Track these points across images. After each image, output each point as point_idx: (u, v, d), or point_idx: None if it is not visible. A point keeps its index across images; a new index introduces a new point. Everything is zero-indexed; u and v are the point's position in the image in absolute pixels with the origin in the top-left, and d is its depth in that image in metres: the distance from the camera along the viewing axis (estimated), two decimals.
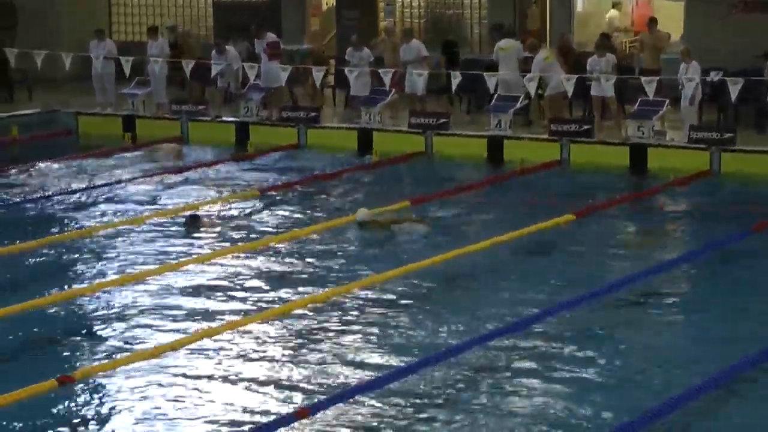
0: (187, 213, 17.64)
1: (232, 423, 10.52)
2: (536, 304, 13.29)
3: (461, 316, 13.11)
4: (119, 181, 20.20)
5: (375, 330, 12.79)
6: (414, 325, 12.93)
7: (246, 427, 10.33)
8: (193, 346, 12.18)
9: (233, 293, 14.08)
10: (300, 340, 12.48)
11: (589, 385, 11.24)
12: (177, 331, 12.74)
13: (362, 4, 29.64)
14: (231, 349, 12.19)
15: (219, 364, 11.83)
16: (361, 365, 11.76)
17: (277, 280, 14.58)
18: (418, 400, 10.91)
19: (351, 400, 10.83)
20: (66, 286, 14.38)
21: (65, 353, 12.30)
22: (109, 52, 26.09)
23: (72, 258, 15.70)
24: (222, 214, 18.00)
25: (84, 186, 19.78)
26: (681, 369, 11.65)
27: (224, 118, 24.84)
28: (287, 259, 15.54)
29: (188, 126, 24.73)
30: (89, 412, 10.78)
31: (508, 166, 21.57)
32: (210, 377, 11.52)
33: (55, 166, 21.49)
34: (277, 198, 19.13)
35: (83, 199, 19.04)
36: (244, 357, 12.01)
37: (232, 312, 13.39)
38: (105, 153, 22.80)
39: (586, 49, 25.22)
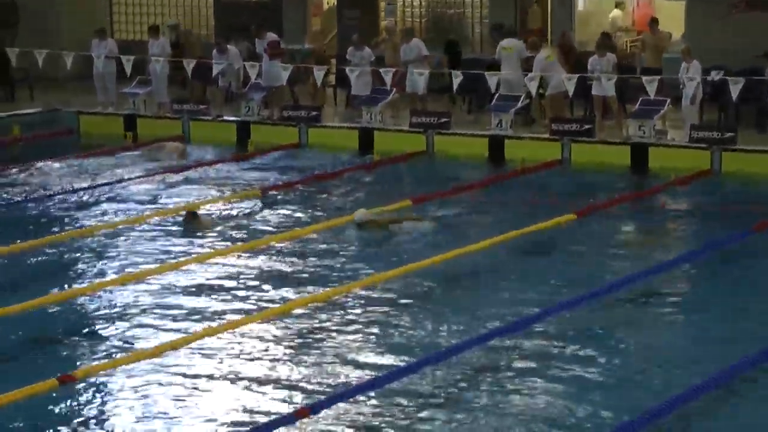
0: (185, 210, 17.61)
1: (232, 423, 10.53)
2: (536, 304, 13.29)
3: (461, 316, 13.12)
4: (120, 181, 20.21)
5: (375, 330, 12.80)
6: (414, 324, 12.94)
7: (246, 427, 10.33)
8: (193, 345, 12.19)
9: (233, 293, 14.09)
10: (300, 340, 12.49)
11: (589, 385, 11.25)
12: (177, 330, 12.75)
13: (363, 3, 29.64)
14: (231, 349, 12.20)
15: (219, 364, 11.84)
16: (361, 365, 11.77)
17: (277, 280, 14.58)
18: (418, 400, 10.91)
19: (351, 399, 10.84)
20: (66, 286, 14.38)
21: (65, 353, 12.31)
22: (110, 51, 26.10)
23: (72, 257, 15.71)
24: (223, 213, 18.00)
25: (85, 185, 19.78)
26: (681, 369, 11.65)
27: (225, 118, 24.85)
28: (288, 259, 15.55)
29: (189, 125, 24.73)
30: (90, 412, 10.80)
31: (509, 165, 21.58)
32: (210, 377, 11.53)
33: (57, 165, 21.48)
34: (278, 197, 19.13)
35: (84, 198, 19.05)
36: (244, 357, 12.02)
37: (232, 312, 13.39)
38: (106, 152, 22.80)
39: (587, 48, 25.20)
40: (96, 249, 16.05)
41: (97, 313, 13.46)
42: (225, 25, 30.21)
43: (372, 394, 10.97)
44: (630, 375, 11.54)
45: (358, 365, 11.79)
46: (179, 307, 13.56)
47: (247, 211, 18.17)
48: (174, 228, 17.06)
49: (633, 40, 28.16)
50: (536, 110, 23.96)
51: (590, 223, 17.16)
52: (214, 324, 12.88)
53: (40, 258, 15.61)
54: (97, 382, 11.34)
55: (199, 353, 12.06)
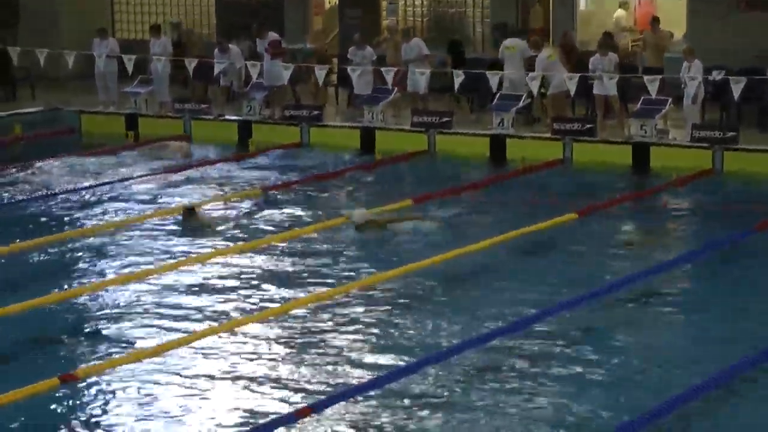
0: (184, 207, 17.58)
1: (232, 423, 10.53)
2: (536, 304, 13.28)
3: (461, 316, 13.11)
4: (121, 180, 20.21)
5: (375, 330, 12.79)
6: (414, 324, 12.94)
7: (246, 427, 10.34)
8: (193, 345, 12.20)
9: (234, 292, 14.09)
10: (300, 340, 12.49)
11: (589, 385, 11.24)
12: (178, 330, 12.75)
13: (365, 2, 29.62)
14: (231, 349, 12.20)
15: (219, 363, 11.84)
16: (361, 365, 11.77)
17: (277, 280, 14.59)
18: (418, 400, 10.92)
19: (351, 399, 10.85)
20: (66, 285, 14.39)
21: (66, 353, 12.32)
22: (111, 50, 26.11)
23: (73, 257, 15.72)
24: (224, 212, 18.00)
25: (86, 185, 19.79)
26: (681, 369, 11.65)
27: (227, 117, 24.85)
28: (288, 259, 15.55)
29: (191, 124, 24.74)
30: (90, 411, 10.81)
31: (510, 165, 21.58)
32: (210, 377, 11.53)
33: (58, 164, 21.50)
34: (280, 197, 19.12)
35: (85, 197, 19.05)
36: (244, 357, 12.01)
37: (232, 311, 13.40)
38: (107, 151, 22.81)
39: (588, 48, 25.19)
40: (96, 248, 16.06)
41: (97, 313, 13.47)
42: (227, 24, 30.22)
43: (372, 394, 10.97)
44: (630, 375, 11.53)
45: (358, 365, 11.79)
46: (179, 306, 13.57)
47: (249, 210, 18.17)
48: (174, 227, 17.06)
49: (635, 39, 28.12)
50: (538, 109, 23.95)
51: (592, 222, 17.14)
52: (213, 324, 12.89)
53: (40, 258, 15.61)
54: (98, 381, 11.35)
55: (199, 353, 12.06)
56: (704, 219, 18.20)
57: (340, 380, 11.40)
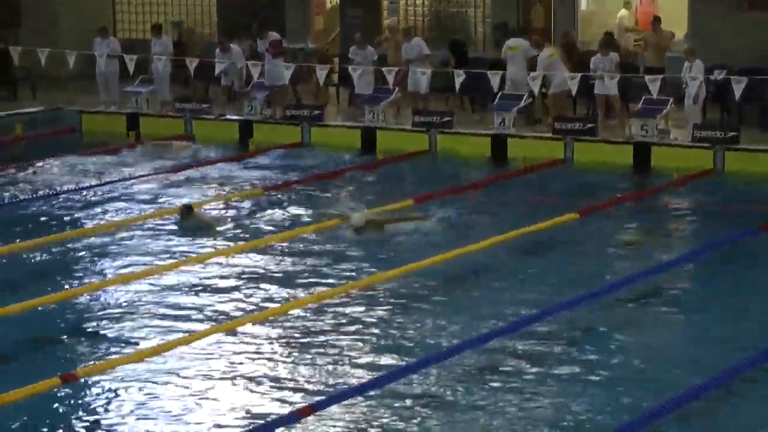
0: (182, 206, 17.56)
1: (232, 423, 10.53)
2: (536, 304, 13.28)
3: (461, 316, 13.11)
4: (122, 180, 20.21)
5: (375, 330, 12.79)
6: (414, 325, 12.93)
7: (246, 427, 10.34)
8: (193, 345, 12.19)
9: (234, 292, 14.09)
10: (300, 340, 12.48)
11: (589, 385, 11.24)
12: (178, 330, 12.75)
13: (366, 2, 29.61)
14: (231, 349, 12.20)
15: (219, 363, 11.84)
16: (361, 365, 11.76)
17: (277, 280, 14.58)
18: (418, 400, 10.92)
19: (351, 399, 10.84)
20: (67, 285, 14.39)
21: (66, 353, 12.33)
22: (112, 50, 26.11)
23: (73, 257, 15.71)
24: (224, 212, 18.00)
25: (87, 184, 19.78)
26: (681, 369, 11.64)
27: (228, 117, 24.85)
28: (288, 259, 15.54)
29: (192, 124, 24.74)
30: (91, 411, 10.82)
31: (511, 164, 21.57)
32: (210, 377, 11.53)
33: (59, 164, 21.50)
34: (280, 196, 19.11)
35: (86, 197, 19.04)
36: (244, 357, 12.01)
37: (232, 311, 13.39)
38: (108, 151, 22.81)
39: (590, 47, 25.18)
40: (96, 248, 16.05)
41: (97, 313, 13.46)
42: (228, 23, 30.23)
43: (372, 394, 10.96)
44: (630, 375, 11.53)
45: (358, 365, 11.79)
46: (179, 306, 13.57)
47: (249, 210, 18.16)
48: (175, 227, 17.05)
49: (636, 39, 28.12)
50: (539, 109, 23.93)
51: (592, 222, 17.14)
52: (214, 324, 12.89)
53: (40, 258, 15.62)
54: (98, 380, 11.35)
55: (199, 353, 12.06)
56: (705, 219, 18.19)
57: (340, 380, 11.41)
